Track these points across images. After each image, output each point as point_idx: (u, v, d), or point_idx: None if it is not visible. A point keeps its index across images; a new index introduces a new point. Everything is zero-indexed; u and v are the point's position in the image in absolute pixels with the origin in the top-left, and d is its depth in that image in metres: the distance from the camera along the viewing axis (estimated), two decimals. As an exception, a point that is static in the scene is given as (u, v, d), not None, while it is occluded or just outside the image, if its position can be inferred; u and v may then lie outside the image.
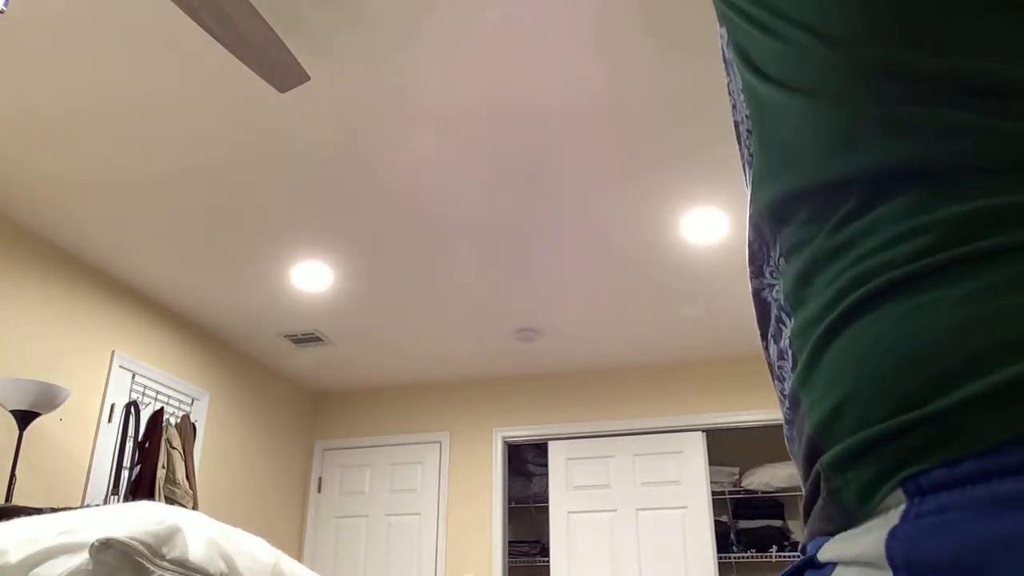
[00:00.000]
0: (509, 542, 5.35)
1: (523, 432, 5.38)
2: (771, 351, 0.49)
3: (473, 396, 5.57)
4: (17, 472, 3.24)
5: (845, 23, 0.42)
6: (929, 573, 0.32)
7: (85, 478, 3.76)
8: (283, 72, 2.34)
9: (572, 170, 3.14)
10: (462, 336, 4.83)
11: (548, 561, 5.12)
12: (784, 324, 0.46)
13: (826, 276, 0.41)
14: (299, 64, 2.33)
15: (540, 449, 5.75)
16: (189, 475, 4.02)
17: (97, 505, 3.42)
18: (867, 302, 0.39)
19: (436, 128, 2.91)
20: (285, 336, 4.82)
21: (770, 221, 0.47)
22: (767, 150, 0.47)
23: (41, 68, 2.61)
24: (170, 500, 3.85)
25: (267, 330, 4.74)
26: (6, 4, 1.89)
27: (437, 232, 3.63)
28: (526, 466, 6.14)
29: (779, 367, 0.47)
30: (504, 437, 5.40)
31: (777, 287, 0.47)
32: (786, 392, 0.45)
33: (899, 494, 0.35)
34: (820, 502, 0.40)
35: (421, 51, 2.54)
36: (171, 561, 0.73)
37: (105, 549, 0.72)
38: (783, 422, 0.47)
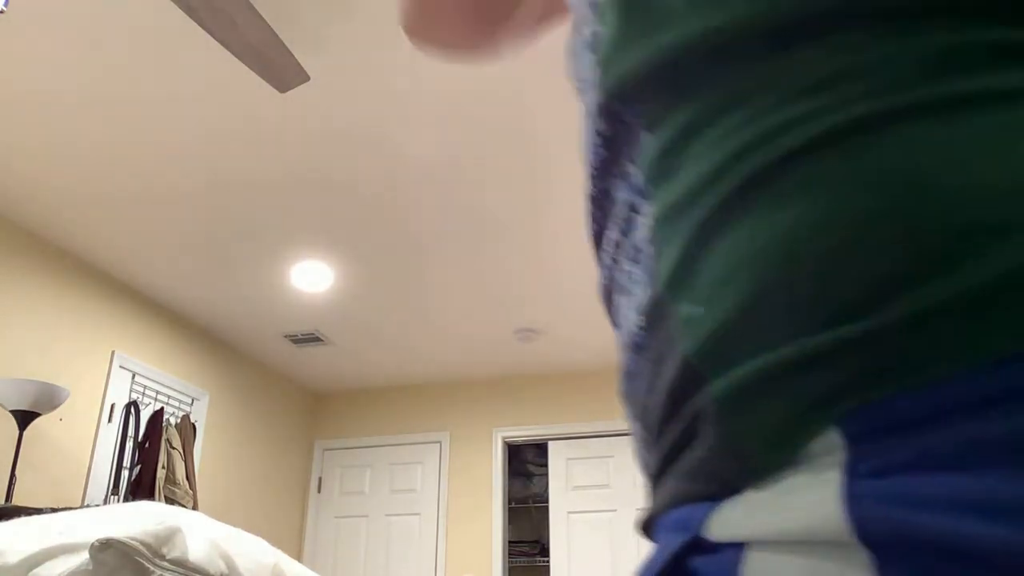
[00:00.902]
0: (509, 542, 5.35)
1: (523, 432, 5.38)
2: (612, 255, 0.36)
3: (473, 396, 5.57)
4: (17, 472, 3.24)
5: None
6: (963, 559, 0.21)
7: (85, 478, 3.76)
8: (283, 72, 2.34)
9: (574, 169, 3.14)
10: (462, 336, 4.83)
11: (548, 561, 5.11)
12: (638, 211, 0.33)
13: (711, 135, 0.30)
14: (299, 64, 2.33)
15: (540, 449, 5.75)
16: (189, 475, 4.02)
17: (97, 505, 3.42)
18: (782, 164, 0.27)
19: (436, 128, 2.91)
20: (285, 336, 4.82)
21: (645, 94, 0.34)
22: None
23: (41, 68, 2.61)
24: (170, 500, 3.85)
25: (267, 330, 4.74)
26: (6, 4, 1.89)
27: (438, 232, 3.63)
28: (526, 466, 6.14)
29: (628, 274, 0.34)
30: (504, 437, 5.40)
31: (634, 174, 0.34)
32: (642, 305, 0.33)
33: (833, 436, 0.24)
34: (698, 453, 0.29)
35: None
36: (171, 561, 0.73)
37: (105, 549, 0.72)
38: (624, 352, 0.35)
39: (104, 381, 3.93)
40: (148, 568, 0.72)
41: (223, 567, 0.78)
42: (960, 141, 0.25)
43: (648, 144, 0.33)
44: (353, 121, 2.88)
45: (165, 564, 0.73)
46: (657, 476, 0.32)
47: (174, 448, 3.99)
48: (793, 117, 0.28)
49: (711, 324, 0.28)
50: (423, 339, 4.87)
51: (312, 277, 4.04)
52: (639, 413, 0.33)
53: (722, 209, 0.29)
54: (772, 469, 0.26)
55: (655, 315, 0.32)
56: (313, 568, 5.25)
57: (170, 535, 0.76)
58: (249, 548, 0.86)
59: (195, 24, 2.29)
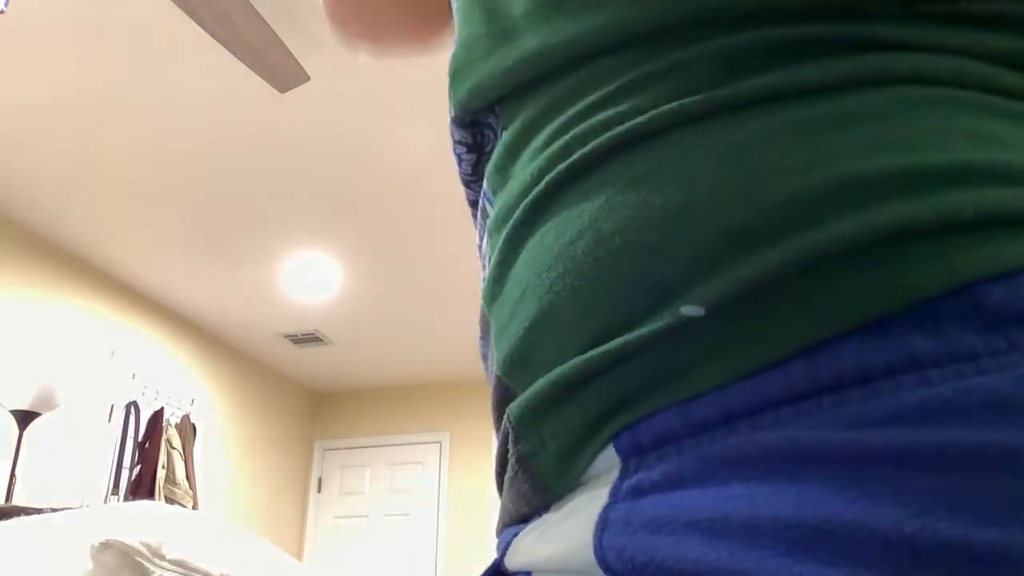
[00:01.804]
0: (509, 542, 5.35)
1: (523, 432, 5.38)
2: (481, 265, 0.35)
3: (473, 396, 5.57)
4: (17, 472, 3.24)
5: None
6: None
7: (85, 478, 3.76)
8: (283, 72, 2.34)
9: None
10: (462, 336, 4.83)
11: (548, 561, 5.11)
12: (488, 215, 0.33)
13: (535, 143, 0.30)
14: (299, 64, 2.33)
15: (540, 449, 5.75)
16: (189, 475, 4.02)
17: (97, 505, 3.42)
18: (578, 173, 0.27)
19: (436, 127, 2.91)
20: (285, 336, 4.82)
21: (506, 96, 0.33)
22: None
23: (41, 67, 2.61)
24: (170, 500, 3.85)
25: (267, 330, 4.74)
26: (6, 4, 1.89)
27: (437, 232, 3.63)
28: (526, 466, 6.15)
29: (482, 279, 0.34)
30: (504, 437, 5.40)
31: (484, 185, 0.35)
32: (479, 317, 0.33)
33: (611, 454, 0.24)
34: (510, 472, 0.28)
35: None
36: (171, 561, 0.73)
37: (105, 550, 0.71)
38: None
39: (104, 381, 3.93)
40: (148, 568, 0.72)
41: (224, 567, 0.78)
42: (737, 150, 0.24)
43: (497, 148, 0.33)
44: (353, 121, 2.87)
45: (165, 564, 0.73)
46: (499, 490, 0.31)
47: (174, 448, 3.99)
48: (588, 127, 0.27)
49: (510, 340, 0.28)
50: (423, 339, 4.87)
51: (312, 277, 4.04)
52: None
53: (524, 222, 0.29)
54: (565, 490, 0.25)
55: (484, 328, 0.32)
56: (313, 568, 5.26)
57: (170, 535, 0.76)
58: (249, 548, 0.86)
59: (195, 24, 2.29)
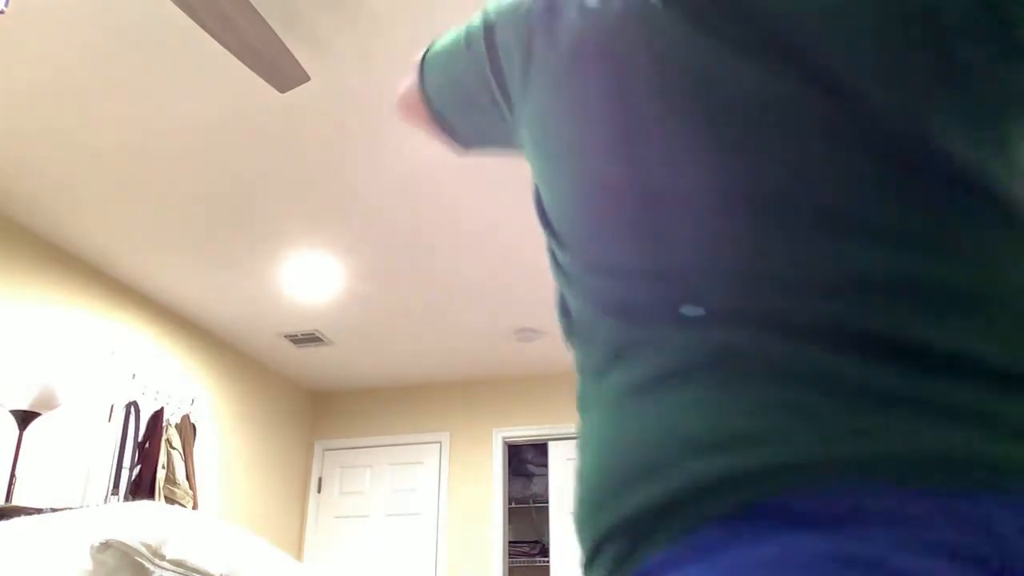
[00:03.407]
0: (509, 542, 5.34)
1: (523, 432, 5.38)
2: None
3: (473, 396, 5.57)
4: (17, 472, 3.24)
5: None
6: None
7: (85, 478, 3.76)
8: (283, 72, 2.34)
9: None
10: (462, 336, 4.83)
11: (548, 561, 5.11)
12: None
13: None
14: (299, 64, 2.34)
15: (540, 449, 5.75)
16: (189, 475, 4.02)
17: (97, 505, 3.42)
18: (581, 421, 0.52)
19: (436, 128, 2.91)
20: (285, 336, 4.82)
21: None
22: None
23: (42, 69, 2.61)
24: (170, 500, 3.85)
25: (267, 330, 4.74)
26: (6, 4, 1.89)
27: (438, 232, 3.63)
28: (526, 466, 6.14)
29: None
30: (504, 437, 5.40)
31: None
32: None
33: None
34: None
35: (421, 50, 2.54)
36: (171, 561, 0.73)
37: (105, 549, 0.71)
38: None
39: (104, 381, 3.93)
40: (148, 568, 0.72)
41: (223, 567, 0.78)
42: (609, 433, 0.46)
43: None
44: (353, 121, 2.88)
45: (165, 564, 0.73)
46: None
47: (174, 448, 3.99)
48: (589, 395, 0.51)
49: (578, 496, 0.47)
50: (423, 339, 4.87)
51: (312, 277, 4.04)
52: None
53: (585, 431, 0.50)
54: None
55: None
56: (313, 568, 5.25)
57: (170, 535, 0.76)
58: (249, 548, 0.86)
59: (195, 24, 2.29)
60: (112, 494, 3.84)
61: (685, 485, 0.39)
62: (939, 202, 0.40)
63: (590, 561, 0.43)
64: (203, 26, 2.12)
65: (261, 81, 2.61)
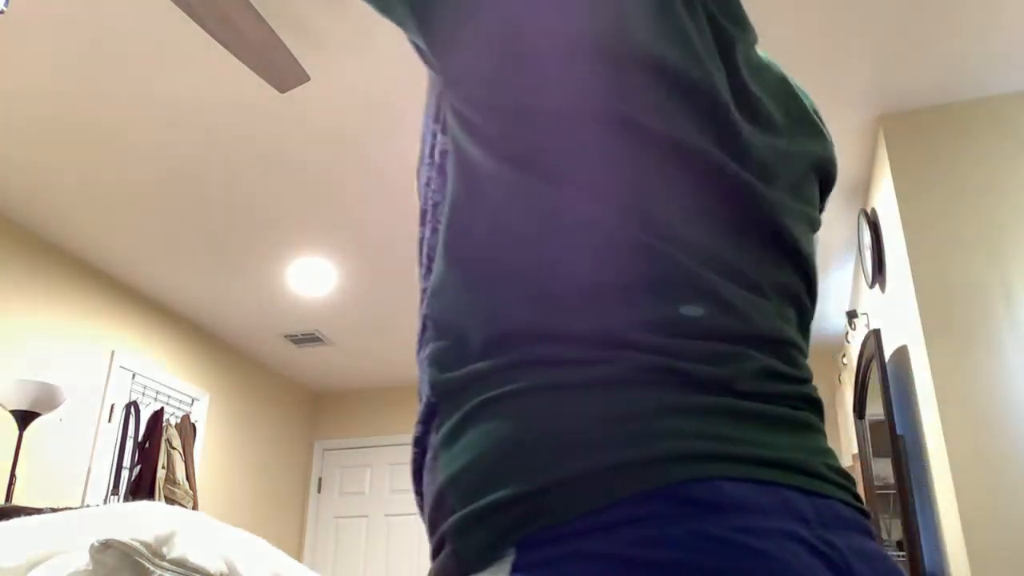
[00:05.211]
0: (509, 542, 5.34)
1: (523, 432, 5.37)
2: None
3: (473, 396, 5.57)
4: (17, 472, 3.24)
5: None
6: None
7: (85, 478, 3.76)
8: (283, 72, 2.34)
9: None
10: (462, 336, 4.82)
11: (548, 561, 5.11)
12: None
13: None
14: (299, 64, 2.34)
15: (540, 449, 5.75)
16: (189, 475, 4.02)
17: (97, 505, 3.42)
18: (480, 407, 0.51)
19: (436, 128, 2.91)
20: (285, 336, 4.82)
21: None
22: None
23: (43, 69, 2.61)
24: (170, 500, 3.85)
25: (267, 330, 4.74)
26: (6, 4, 1.89)
27: (437, 232, 3.63)
28: (526, 466, 6.14)
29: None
30: (504, 437, 5.40)
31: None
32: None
33: (511, 551, 0.43)
34: (441, 556, 0.47)
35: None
36: (171, 561, 0.73)
37: (105, 549, 0.71)
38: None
39: (104, 381, 3.93)
40: (148, 568, 0.72)
41: (223, 567, 0.78)
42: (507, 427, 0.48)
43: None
44: (353, 121, 2.87)
45: (165, 564, 0.73)
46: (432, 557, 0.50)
47: (174, 448, 3.99)
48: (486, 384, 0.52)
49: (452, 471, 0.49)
50: (423, 339, 4.87)
51: (312, 277, 4.04)
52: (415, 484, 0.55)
53: (468, 415, 0.50)
54: (478, 569, 0.44)
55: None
56: (313, 568, 5.26)
57: (170, 535, 0.76)
58: (249, 548, 0.86)
59: (195, 24, 2.29)
60: (112, 494, 3.84)
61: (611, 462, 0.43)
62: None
63: (478, 520, 0.44)
64: (203, 26, 2.12)
65: (261, 81, 2.61)
